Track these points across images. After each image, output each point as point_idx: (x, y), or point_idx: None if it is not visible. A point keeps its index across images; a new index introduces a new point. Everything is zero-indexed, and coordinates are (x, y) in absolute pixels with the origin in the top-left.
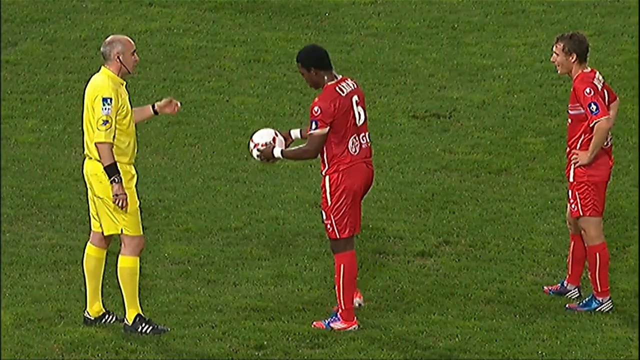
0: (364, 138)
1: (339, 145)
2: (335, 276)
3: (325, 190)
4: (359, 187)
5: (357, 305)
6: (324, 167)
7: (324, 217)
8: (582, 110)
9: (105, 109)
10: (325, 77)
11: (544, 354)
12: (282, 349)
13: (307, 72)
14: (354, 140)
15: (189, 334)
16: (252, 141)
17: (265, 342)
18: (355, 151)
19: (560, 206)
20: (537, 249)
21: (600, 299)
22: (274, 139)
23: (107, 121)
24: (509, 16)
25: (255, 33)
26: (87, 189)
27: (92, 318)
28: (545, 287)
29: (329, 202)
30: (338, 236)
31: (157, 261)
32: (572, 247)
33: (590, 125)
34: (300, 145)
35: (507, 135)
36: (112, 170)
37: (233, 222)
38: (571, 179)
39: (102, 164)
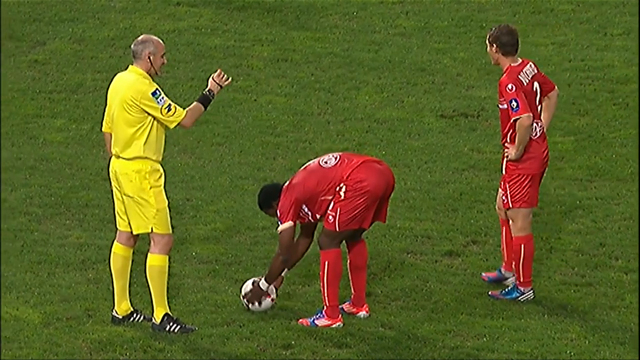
0: (331, 157)
1: (320, 183)
2: (320, 273)
3: (341, 188)
4: (379, 189)
5: (361, 316)
6: (332, 196)
7: (330, 207)
8: (500, 105)
9: (160, 99)
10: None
11: (572, 353)
12: (309, 348)
13: (270, 209)
14: (322, 162)
15: (217, 333)
16: (242, 297)
17: (292, 342)
18: (329, 164)
19: (589, 206)
20: (565, 248)
21: (522, 289)
22: (259, 279)
23: (169, 106)
24: (537, 15)
25: (282, 32)
26: (112, 188)
27: (120, 317)
28: (484, 274)
29: (342, 196)
30: (337, 229)
31: (185, 260)
32: (503, 233)
33: (511, 122)
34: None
35: None
36: (205, 99)
37: (260, 222)
38: (503, 172)
39: (202, 111)
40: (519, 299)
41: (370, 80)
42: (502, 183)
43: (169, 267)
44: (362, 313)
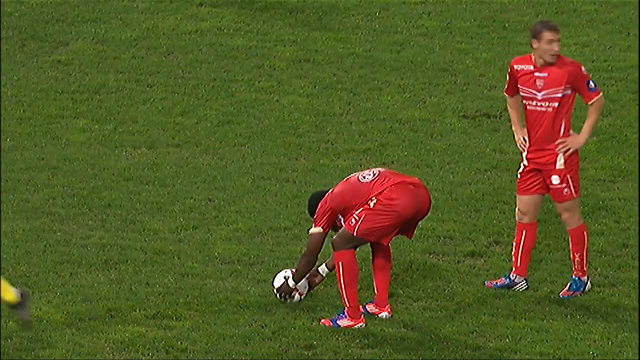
0: (370, 173)
1: (354, 197)
2: (336, 275)
3: (372, 199)
4: (407, 211)
5: (383, 317)
6: (355, 210)
7: (357, 211)
8: (560, 94)
9: None
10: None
11: (595, 354)
12: (332, 348)
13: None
14: (360, 178)
15: (239, 333)
16: (274, 287)
17: (315, 342)
18: (367, 179)
19: (612, 207)
20: (588, 249)
21: (584, 278)
22: (292, 272)
23: None
24: (560, 15)
25: (305, 33)
26: None
27: None
28: (488, 282)
29: (371, 206)
30: (354, 234)
31: (207, 261)
32: (523, 237)
33: (590, 103)
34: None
35: None
36: None
37: (283, 222)
38: (561, 166)
39: None
40: (587, 288)
41: (393, 80)
42: (559, 177)
43: (190, 267)
44: (384, 314)
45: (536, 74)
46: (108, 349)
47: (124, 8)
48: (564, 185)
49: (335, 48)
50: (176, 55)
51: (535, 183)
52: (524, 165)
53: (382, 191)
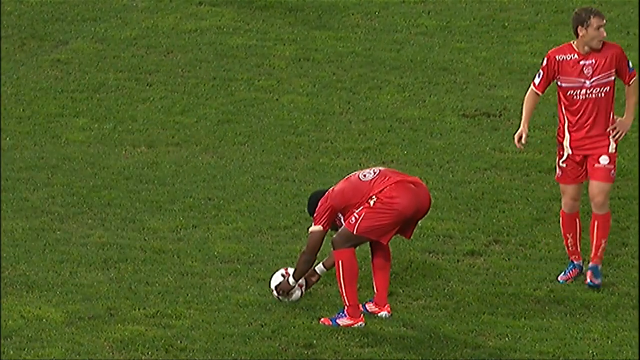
0: (370, 172)
1: (354, 195)
2: (336, 273)
3: (372, 197)
4: (408, 210)
5: (383, 316)
6: (355, 209)
7: (358, 209)
8: (612, 77)
9: None
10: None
11: (594, 353)
12: (331, 347)
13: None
14: (361, 176)
15: (239, 332)
16: (272, 288)
17: (314, 341)
18: (367, 177)
19: (612, 205)
20: (587, 248)
21: (600, 265)
22: (286, 272)
23: None
24: (559, 14)
25: (304, 32)
26: None
27: None
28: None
29: (371, 204)
30: (354, 232)
31: (207, 259)
32: (578, 225)
33: (630, 83)
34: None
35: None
36: None
37: (282, 221)
38: (613, 150)
39: None
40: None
41: (392, 79)
42: (609, 158)
43: (190, 266)
44: (384, 313)
45: (582, 62)
46: (108, 347)
47: (123, 7)
48: (612, 166)
49: (334, 47)
50: (176, 54)
51: (583, 170)
52: (568, 154)
53: (383, 190)
